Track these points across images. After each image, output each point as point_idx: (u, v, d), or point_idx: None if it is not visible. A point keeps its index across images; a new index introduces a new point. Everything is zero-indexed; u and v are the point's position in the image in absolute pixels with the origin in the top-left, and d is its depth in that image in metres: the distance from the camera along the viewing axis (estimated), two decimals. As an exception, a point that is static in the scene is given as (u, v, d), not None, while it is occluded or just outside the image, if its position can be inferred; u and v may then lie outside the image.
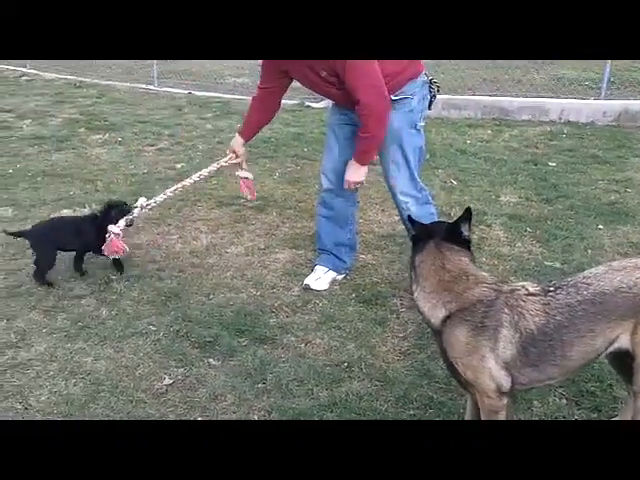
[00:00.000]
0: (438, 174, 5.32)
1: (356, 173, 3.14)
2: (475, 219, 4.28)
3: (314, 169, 5.34)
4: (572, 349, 1.99)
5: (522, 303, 2.02)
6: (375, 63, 2.87)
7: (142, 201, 3.52)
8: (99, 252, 3.40)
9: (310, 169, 5.44)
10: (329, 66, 2.89)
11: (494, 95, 7.65)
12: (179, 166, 5.67)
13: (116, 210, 3.49)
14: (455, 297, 2.06)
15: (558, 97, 7.35)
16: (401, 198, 3.28)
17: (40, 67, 11.41)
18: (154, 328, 3.11)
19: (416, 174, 3.29)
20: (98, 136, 6.75)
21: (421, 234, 2.19)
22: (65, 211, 4.57)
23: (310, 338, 3.04)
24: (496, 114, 7.29)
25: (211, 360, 2.87)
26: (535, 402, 2.55)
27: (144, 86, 9.78)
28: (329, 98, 3.32)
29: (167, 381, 2.73)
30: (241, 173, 3.58)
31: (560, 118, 7.01)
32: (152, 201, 3.50)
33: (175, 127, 7.14)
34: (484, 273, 2.20)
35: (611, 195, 4.72)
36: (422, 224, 2.25)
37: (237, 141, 3.48)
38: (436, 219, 3.19)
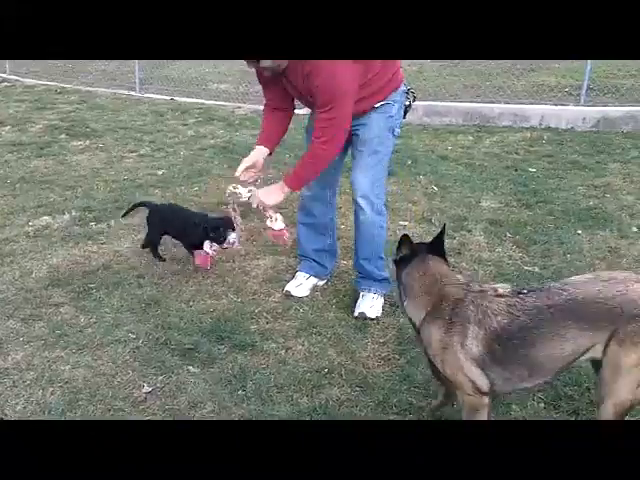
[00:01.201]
0: (419, 180, 5.34)
1: (270, 194, 3.11)
2: (456, 225, 4.34)
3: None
4: (537, 351, 2.04)
5: (487, 303, 2.11)
6: (351, 92, 2.84)
7: (233, 236, 3.52)
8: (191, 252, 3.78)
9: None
10: (309, 91, 2.86)
11: (475, 102, 7.70)
12: (160, 172, 5.65)
13: (213, 233, 3.59)
14: (430, 297, 2.21)
15: (538, 103, 7.42)
16: (359, 200, 3.19)
17: (20, 73, 11.34)
18: (133, 336, 3.09)
19: (383, 180, 3.26)
20: (79, 142, 6.71)
21: (408, 252, 2.32)
22: (45, 218, 4.53)
23: (290, 344, 3.03)
24: (477, 120, 7.34)
25: (191, 367, 2.86)
26: (514, 406, 2.56)
27: (126, 92, 9.73)
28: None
29: (146, 389, 2.71)
30: (269, 223, 3.21)
31: (540, 124, 7.07)
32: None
33: (157, 133, 7.12)
34: (459, 276, 2.31)
35: (590, 200, 4.76)
36: (410, 244, 2.33)
37: (261, 152, 3.20)
38: (384, 234, 3.29)
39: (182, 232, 3.77)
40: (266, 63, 2.77)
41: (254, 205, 3.16)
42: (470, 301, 2.13)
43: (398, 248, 2.35)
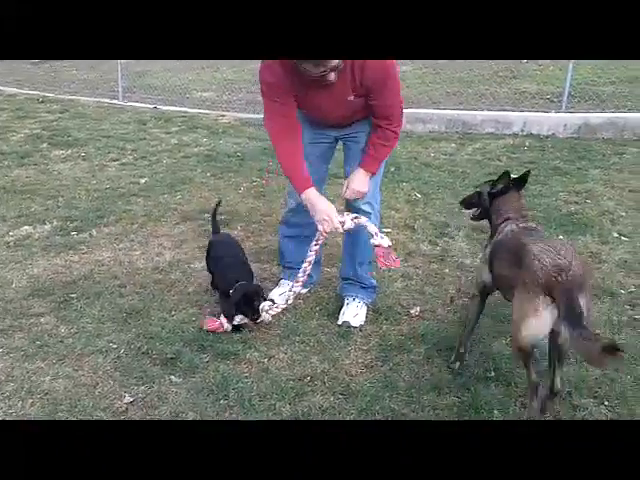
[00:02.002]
0: (403, 187, 5.36)
1: (363, 183, 3.07)
2: (438, 232, 4.36)
3: (280, 183, 5.33)
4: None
5: (505, 228, 2.75)
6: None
7: (266, 305, 3.15)
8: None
9: (276, 183, 5.42)
10: (362, 87, 2.81)
11: (458, 109, 7.74)
12: (143, 181, 5.63)
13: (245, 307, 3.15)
14: (511, 213, 2.83)
15: (520, 110, 7.47)
16: (365, 207, 3.23)
17: (1, 82, 11.26)
18: (115, 346, 3.06)
19: (379, 184, 3.33)
20: (61, 151, 6.67)
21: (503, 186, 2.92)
22: (26, 228, 4.49)
23: (273, 352, 3.02)
24: (460, 127, 7.37)
25: (172, 377, 2.84)
26: (495, 411, 2.57)
27: (109, 101, 9.69)
28: (331, 120, 3.09)
29: (127, 399, 2.69)
30: (372, 240, 2.96)
31: (522, 131, 7.12)
32: (275, 306, 3.16)
33: (139, 142, 7.09)
34: (524, 211, 2.87)
35: (571, 206, 4.80)
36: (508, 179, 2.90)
37: (323, 202, 2.94)
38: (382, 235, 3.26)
39: (220, 279, 3.43)
40: (334, 62, 2.65)
41: (347, 196, 3.14)
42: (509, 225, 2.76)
43: (495, 182, 2.91)
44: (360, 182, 3.07)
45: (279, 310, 3.14)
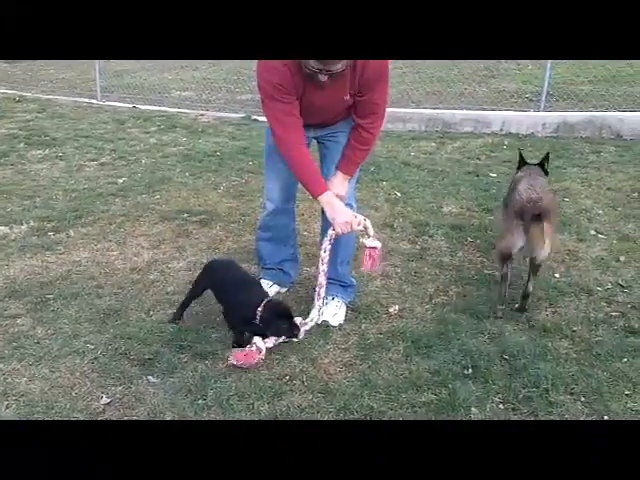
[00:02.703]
0: (382, 186, 5.37)
1: (342, 186, 3.07)
2: (418, 230, 4.38)
3: (259, 183, 5.32)
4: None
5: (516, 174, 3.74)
6: None
7: (299, 319, 3.01)
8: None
9: (255, 183, 5.42)
10: (359, 85, 2.81)
11: (437, 108, 7.78)
12: (121, 181, 5.59)
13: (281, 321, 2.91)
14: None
15: (499, 109, 7.53)
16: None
17: (-22, 81, 11.15)
18: (92, 346, 3.03)
19: (355, 184, 3.34)
20: (38, 151, 6.60)
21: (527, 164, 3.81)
22: (2, 228, 4.44)
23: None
24: (440, 127, 7.42)
25: (150, 377, 2.82)
26: (473, 409, 2.58)
27: (87, 100, 9.62)
28: (318, 120, 3.04)
29: (104, 400, 2.66)
30: (368, 242, 3.05)
31: (501, 130, 7.18)
32: (308, 319, 3.08)
33: (118, 141, 7.04)
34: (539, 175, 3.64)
35: (549, 204, 4.83)
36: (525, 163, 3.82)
37: (342, 204, 2.96)
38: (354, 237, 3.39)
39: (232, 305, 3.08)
40: (342, 62, 2.65)
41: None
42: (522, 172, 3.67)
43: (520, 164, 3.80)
44: (340, 186, 3.06)
45: (312, 325, 3.10)
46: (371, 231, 3.04)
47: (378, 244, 3.05)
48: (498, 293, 3.34)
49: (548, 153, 3.87)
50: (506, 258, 3.27)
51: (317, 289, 3.12)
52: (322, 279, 3.09)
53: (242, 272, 3.23)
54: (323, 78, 2.68)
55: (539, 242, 3.14)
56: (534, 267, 3.28)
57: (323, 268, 3.08)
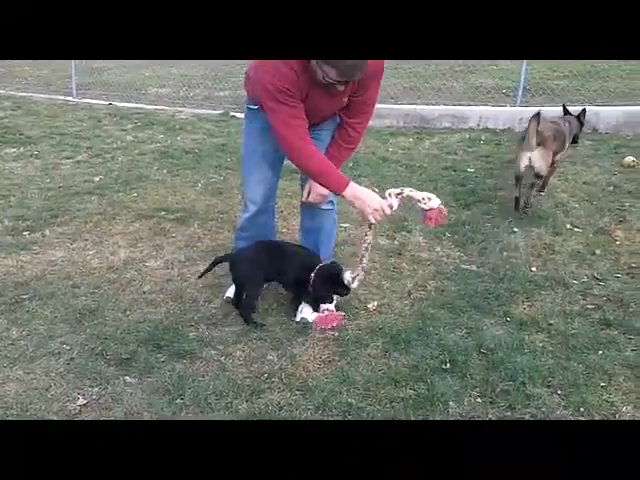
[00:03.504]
0: (361, 182, 5.32)
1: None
2: (396, 226, 4.38)
3: (238, 180, 5.31)
4: None
5: None
6: None
7: (347, 275, 3.08)
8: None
9: (234, 180, 5.40)
10: (357, 86, 2.78)
11: (415, 104, 7.80)
12: (97, 179, 5.53)
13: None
14: None
15: (476, 105, 7.56)
16: (326, 206, 3.27)
17: (-49, 79, 10.98)
18: (68, 347, 3.00)
19: None
20: (12, 150, 6.52)
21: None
22: (-25, 228, 4.38)
23: (230, 350, 2.99)
24: (417, 122, 7.44)
25: (127, 378, 2.79)
26: (451, 403, 2.59)
27: (62, 98, 9.52)
28: (312, 122, 2.93)
29: (81, 401, 2.63)
30: (423, 205, 2.87)
31: (479, 125, 7.21)
32: (357, 272, 3.06)
33: (94, 139, 6.98)
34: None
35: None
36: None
37: (366, 191, 2.86)
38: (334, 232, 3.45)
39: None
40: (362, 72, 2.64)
41: (311, 200, 3.15)
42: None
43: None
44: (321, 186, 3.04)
45: (362, 276, 3.10)
46: (419, 195, 2.87)
47: (433, 203, 2.84)
48: (515, 207, 4.60)
49: (584, 109, 5.22)
50: (518, 179, 4.57)
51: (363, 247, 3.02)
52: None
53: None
54: (341, 88, 2.68)
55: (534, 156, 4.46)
56: (535, 178, 4.58)
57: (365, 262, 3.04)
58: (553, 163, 4.74)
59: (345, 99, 2.86)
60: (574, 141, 5.08)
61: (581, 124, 5.11)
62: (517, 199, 4.60)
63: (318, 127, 3.05)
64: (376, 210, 2.80)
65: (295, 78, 2.66)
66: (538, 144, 4.40)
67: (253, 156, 3.18)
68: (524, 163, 4.46)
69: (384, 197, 2.87)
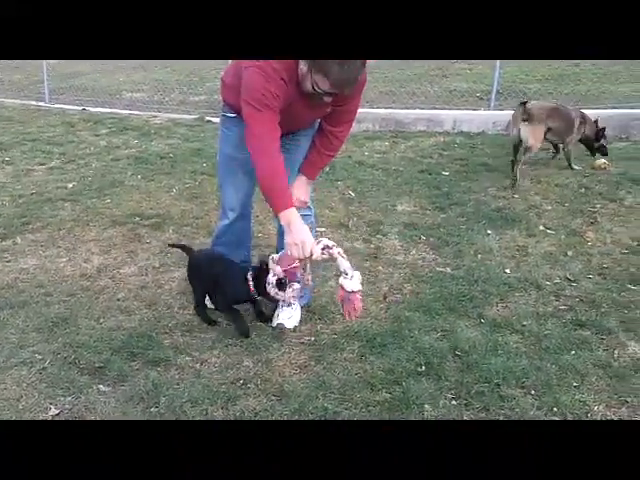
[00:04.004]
0: (337, 186, 5.38)
1: (306, 192, 3.05)
2: (372, 229, 4.40)
3: (213, 185, 5.29)
4: None
5: None
6: None
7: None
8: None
9: (209, 185, 5.38)
10: (344, 96, 2.71)
11: (391, 108, 7.83)
12: (70, 185, 5.47)
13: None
14: None
15: (451, 109, 7.62)
16: (304, 212, 3.13)
17: None
18: (40, 356, 2.96)
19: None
20: (-17, 156, 6.44)
21: None
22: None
23: (205, 357, 2.98)
24: (393, 126, 7.46)
25: (101, 386, 2.76)
26: (426, 406, 2.60)
27: (35, 103, 9.41)
28: (291, 129, 2.94)
29: (53, 411, 2.60)
30: (346, 283, 2.65)
31: (453, 128, 7.26)
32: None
33: (67, 145, 6.90)
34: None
35: (499, 201, 4.91)
36: None
37: (302, 225, 2.70)
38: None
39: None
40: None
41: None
42: None
43: None
44: (304, 191, 3.04)
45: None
46: (345, 264, 2.68)
47: (353, 285, 2.64)
48: (512, 174, 5.28)
49: (604, 128, 5.67)
50: (515, 148, 5.35)
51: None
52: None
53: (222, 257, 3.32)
54: (328, 99, 2.65)
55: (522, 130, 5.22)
56: (524, 150, 5.26)
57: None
58: (562, 143, 5.65)
59: (329, 109, 2.83)
60: (601, 152, 5.74)
61: (597, 135, 5.66)
62: (512, 162, 5.36)
63: (296, 134, 3.04)
64: (297, 245, 2.66)
65: (284, 86, 2.62)
66: (525, 120, 5.19)
67: (230, 164, 3.16)
68: (515, 134, 5.30)
69: (318, 241, 2.73)
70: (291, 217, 2.66)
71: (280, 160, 2.68)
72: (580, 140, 5.70)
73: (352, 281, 2.64)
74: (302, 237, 2.64)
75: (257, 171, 2.73)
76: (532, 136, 5.26)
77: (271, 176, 2.68)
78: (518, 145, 5.32)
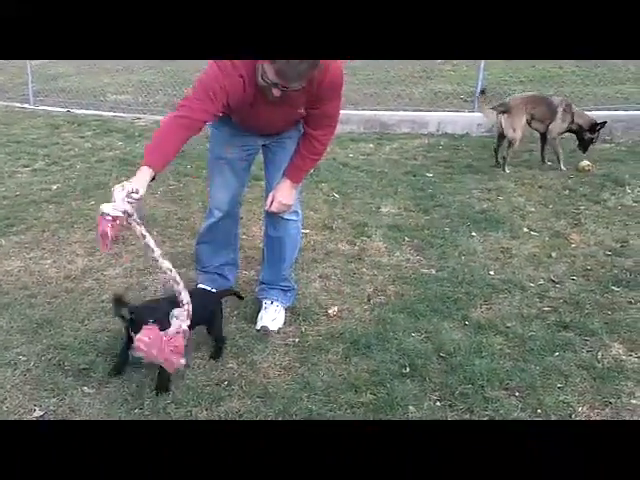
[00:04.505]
0: (321, 187, 5.39)
1: (290, 195, 3.02)
2: (356, 231, 4.41)
3: (197, 186, 5.30)
4: None
5: None
6: None
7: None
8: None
9: (193, 186, 5.37)
10: (315, 98, 2.71)
11: (375, 109, 7.86)
12: (55, 187, 5.43)
13: None
14: None
15: (435, 110, 7.66)
16: (289, 217, 3.19)
17: None
18: (24, 358, 2.94)
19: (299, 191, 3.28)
20: (-34, 158, 6.38)
21: None
22: None
23: (189, 359, 2.97)
24: (378, 128, 7.48)
25: (85, 388, 2.75)
26: (410, 407, 2.61)
27: (19, 105, 9.32)
28: (265, 131, 2.98)
29: (37, 413, 2.59)
30: (106, 208, 2.39)
31: (438, 130, 7.30)
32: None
33: (52, 146, 6.85)
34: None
35: (484, 203, 4.95)
36: None
37: (144, 177, 2.53)
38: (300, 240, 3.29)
39: None
40: (301, 82, 2.55)
41: (274, 209, 3.02)
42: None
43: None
44: (287, 195, 3.02)
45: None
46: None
47: (108, 209, 2.39)
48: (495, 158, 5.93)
49: (604, 122, 5.78)
50: (499, 137, 5.89)
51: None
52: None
53: None
54: (277, 93, 2.58)
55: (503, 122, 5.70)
56: (507, 144, 5.74)
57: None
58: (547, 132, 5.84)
59: (301, 110, 2.80)
60: (584, 145, 5.87)
61: (592, 127, 5.75)
62: (494, 150, 5.94)
63: (280, 136, 3.04)
64: (116, 189, 2.46)
65: (240, 87, 2.60)
66: (503, 112, 5.65)
67: (218, 162, 3.16)
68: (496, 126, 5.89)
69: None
70: (139, 172, 2.53)
71: (181, 132, 2.59)
72: (572, 130, 5.81)
73: (106, 205, 2.41)
74: (128, 189, 2.44)
75: (161, 126, 2.69)
76: (511, 127, 5.63)
77: (163, 131, 2.63)
78: (500, 136, 5.81)
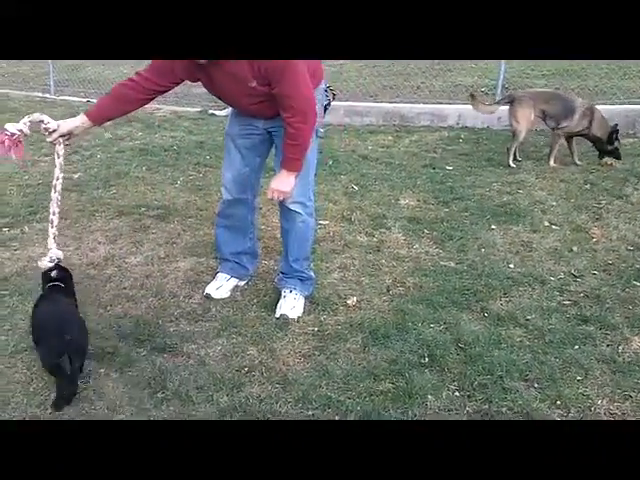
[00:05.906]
0: (340, 180, 5.40)
1: (283, 182, 3.00)
2: (375, 223, 4.42)
3: (217, 177, 5.30)
4: None
5: None
6: (306, 71, 2.80)
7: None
8: None
9: (213, 177, 5.40)
10: (262, 75, 2.72)
11: (395, 102, 7.84)
12: (76, 176, 5.50)
13: None
14: None
15: (455, 103, 7.61)
16: (293, 207, 3.18)
17: None
18: (49, 342, 3.00)
19: (312, 182, 3.27)
20: (-10, 146, 6.44)
21: None
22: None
23: (211, 345, 3.01)
24: (397, 120, 7.47)
25: (109, 372, 2.80)
26: (429, 396, 2.63)
27: (40, 94, 9.43)
28: (242, 109, 3.07)
29: (62, 395, 2.64)
30: (7, 125, 2.88)
31: (458, 123, 7.26)
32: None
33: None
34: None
35: (504, 196, 4.93)
36: None
37: (74, 121, 3.04)
38: (314, 235, 3.35)
39: None
40: None
41: (269, 196, 3.09)
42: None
43: None
44: (281, 182, 3.01)
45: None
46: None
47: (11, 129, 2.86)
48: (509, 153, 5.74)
49: (617, 130, 5.50)
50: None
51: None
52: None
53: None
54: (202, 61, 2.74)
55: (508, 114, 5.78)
56: (512, 136, 5.77)
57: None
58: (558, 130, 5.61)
59: (252, 85, 2.77)
60: (614, 155, 5.57)
61: (610, 137, 5.49)
62: (507, 149, 5.77)
63: (279, 121, 2.95)
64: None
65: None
66: (508, 103, 5.76)
67: (226, 139, 3.30)
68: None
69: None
70: (78, 119, 3.06)
71: (120, 92, 3.03)
72: (590, 139, 5.65)
73: (9, 124, 2.88)
74: (57, 123, 3.02)
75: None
76: (514, 118, 5.65)
77: (116, 89, 3.05)
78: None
